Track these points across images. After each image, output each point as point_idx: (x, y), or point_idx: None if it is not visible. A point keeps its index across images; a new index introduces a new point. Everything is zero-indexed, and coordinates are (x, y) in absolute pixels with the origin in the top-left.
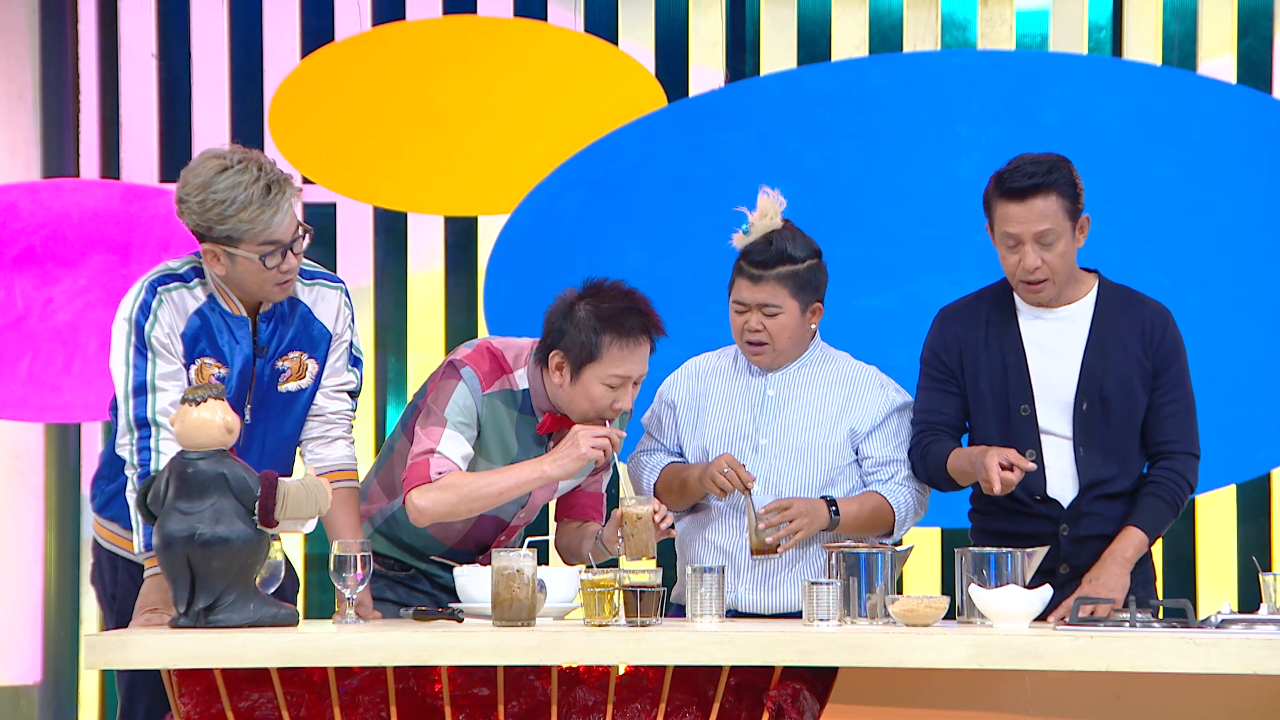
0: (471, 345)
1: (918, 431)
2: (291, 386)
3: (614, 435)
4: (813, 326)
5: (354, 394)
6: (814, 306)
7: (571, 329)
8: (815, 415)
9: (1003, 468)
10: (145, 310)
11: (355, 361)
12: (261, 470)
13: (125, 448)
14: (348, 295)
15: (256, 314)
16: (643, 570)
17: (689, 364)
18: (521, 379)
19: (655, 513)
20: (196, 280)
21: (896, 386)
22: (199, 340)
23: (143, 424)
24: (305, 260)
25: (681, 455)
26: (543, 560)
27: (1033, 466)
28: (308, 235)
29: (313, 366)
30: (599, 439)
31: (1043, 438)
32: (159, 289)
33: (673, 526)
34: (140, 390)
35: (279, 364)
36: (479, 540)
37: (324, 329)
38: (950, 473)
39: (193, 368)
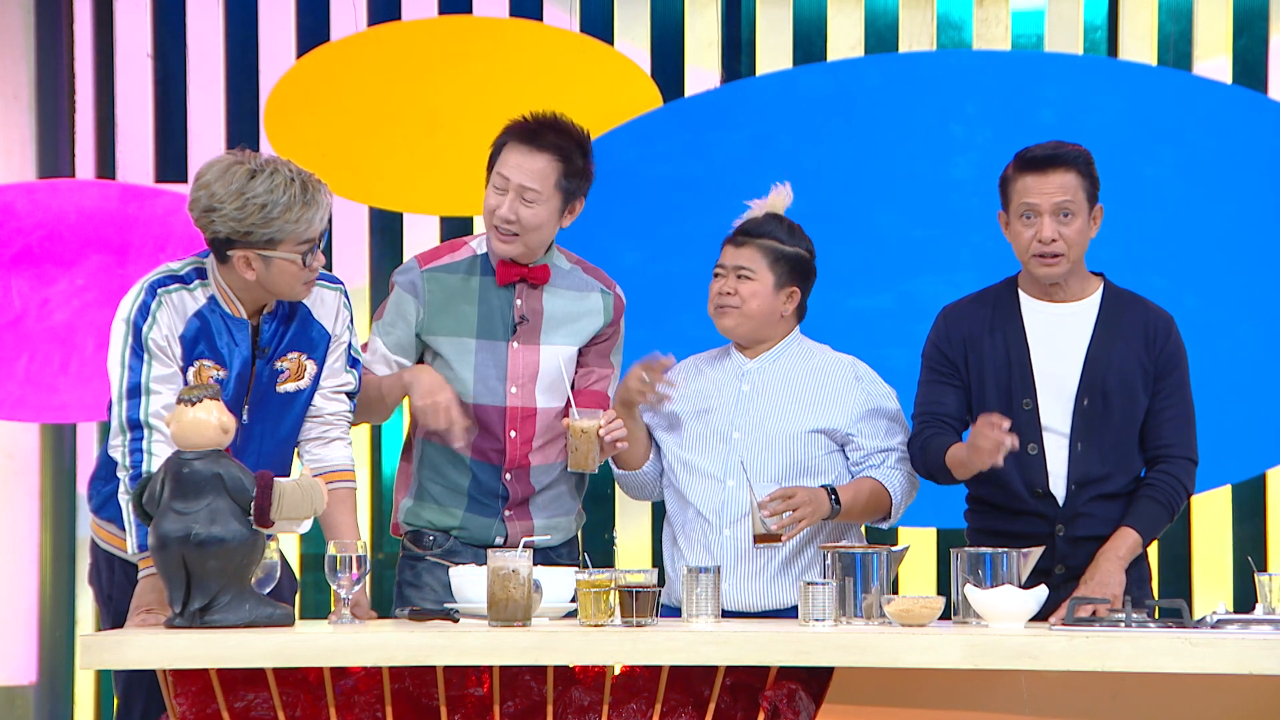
0: None
1: (919, 424)
2: (290, 387)
3: (454, 421)
4: (785, 311)
5: (352, 395)
6: (790, 289)
7: (495, 151)
8: (786, 409)
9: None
10: (144, 312)
11: (354, 363)
12: (258, 471)
13: (118, 449)
14: (346, 296)
15: (257, 316)
16: (639, 571)
17: (678, 365)
18: (480, 244)
19: (600, 427)
20: (198, 282)
21: (873, 378)
22: (198, 342)
23: (135, 426)
24: None
25: (659, 450)
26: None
27: (1006, 424)
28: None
29: (311, 367)
30: (435, 409)
31: (1044, 433)
32: (159, 290)
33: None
34: (134, 392)
35: (278, 364)
36: (496, 447)
37: (323, 330)
38: (949, 464)
39: (191, 370)
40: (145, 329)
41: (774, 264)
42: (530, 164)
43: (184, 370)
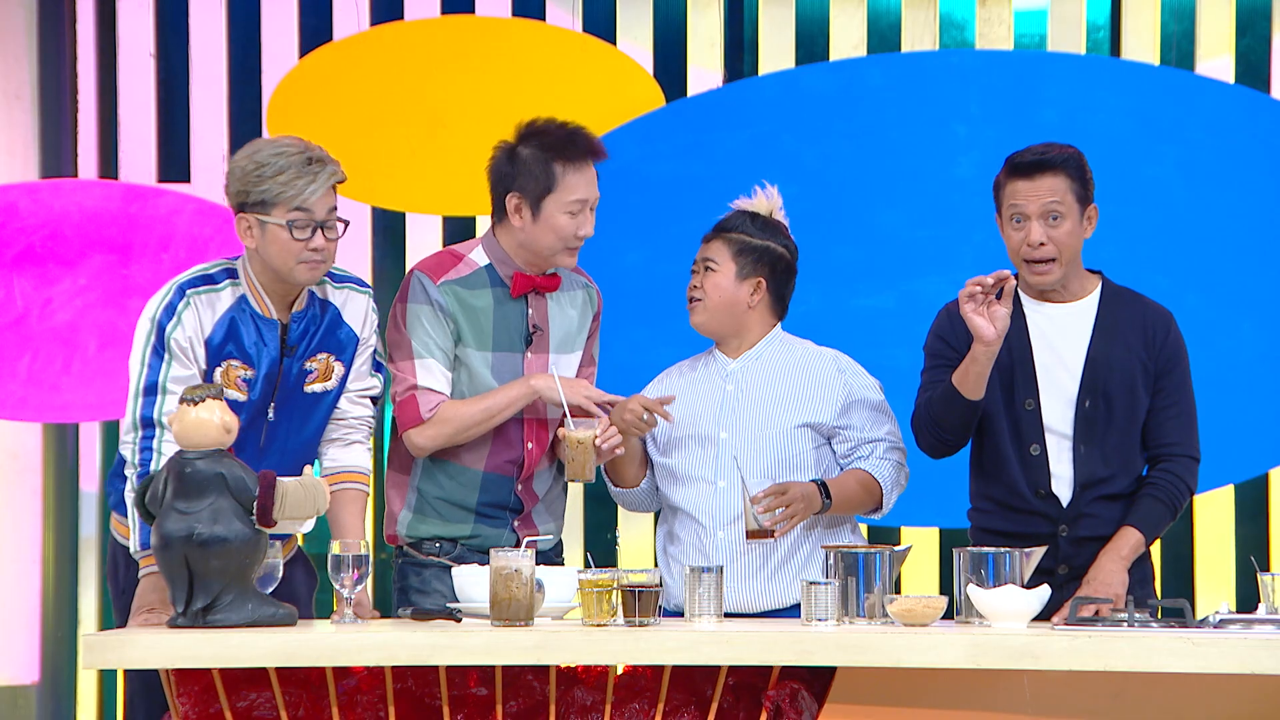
0: None
1: (921, 397)
2: (317, 388)
3: (610, 406)
4: (751, 303)
5: (376, 400)
6: (755, 280)
7: (521, 170)
8: (770, 406)
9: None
10: (170, 312)
11: (379, 367)
12: (283, 470)
13: (128, 446)
14: (374, 302)
15: (288, 314)
16: (641, 571)
17: (663, 373)
18: (480, 256)
19: (596, 437)
20: (227, 282)
21: (856, 369)
22: (226, 343)
23: (148, 424)
24: (335, 265)
25: (652, 465)
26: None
27: (1007, 273)
28: (344, 227)
29: (339, 369)
30: (596, 401)
31: (1046, 434)
32: (187, 290)
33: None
34: (151, 390)
35: (307, 365)
36: (514, 458)
37: (351, 332)
38: (955, 383)
39: (218, 370)
40: (169, 329)
41: (737, 254)
42: (592, 176)
43: (209, 371)
